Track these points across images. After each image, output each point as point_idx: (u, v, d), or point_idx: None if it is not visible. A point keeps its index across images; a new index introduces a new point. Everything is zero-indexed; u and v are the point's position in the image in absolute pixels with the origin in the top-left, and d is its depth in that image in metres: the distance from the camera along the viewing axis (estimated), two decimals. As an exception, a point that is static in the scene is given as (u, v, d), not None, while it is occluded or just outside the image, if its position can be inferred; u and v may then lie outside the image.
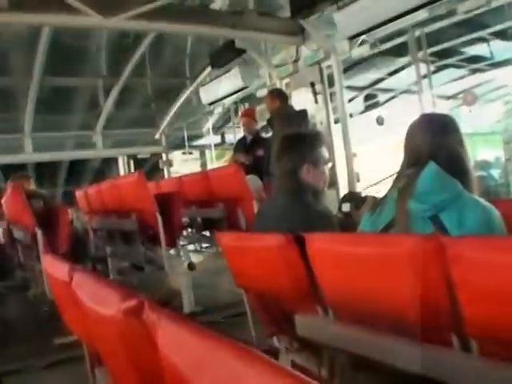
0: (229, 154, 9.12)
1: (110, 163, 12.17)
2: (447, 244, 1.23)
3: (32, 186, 6.19)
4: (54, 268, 1.96)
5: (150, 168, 12.08)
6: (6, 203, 5.23)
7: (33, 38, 6.73)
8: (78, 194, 6.77)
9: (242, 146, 6.77)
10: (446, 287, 1.25)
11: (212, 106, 9.55)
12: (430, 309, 1.30)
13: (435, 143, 1.87)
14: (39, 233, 4.04)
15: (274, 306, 2.23)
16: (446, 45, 7.87)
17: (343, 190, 5.72)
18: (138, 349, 1.05)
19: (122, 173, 10.47)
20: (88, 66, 8.15)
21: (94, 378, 1.94)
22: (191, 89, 8.95)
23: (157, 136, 10.42)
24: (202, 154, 11.56)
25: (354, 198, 3.07)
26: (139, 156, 11.04)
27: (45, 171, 11.46)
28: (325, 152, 2.50)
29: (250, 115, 6.86)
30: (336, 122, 6.36)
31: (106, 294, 1.21)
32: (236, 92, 7.95)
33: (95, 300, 1.30)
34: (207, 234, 5.68)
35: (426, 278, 1.28)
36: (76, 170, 14.59)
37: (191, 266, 4.28)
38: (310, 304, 1.86)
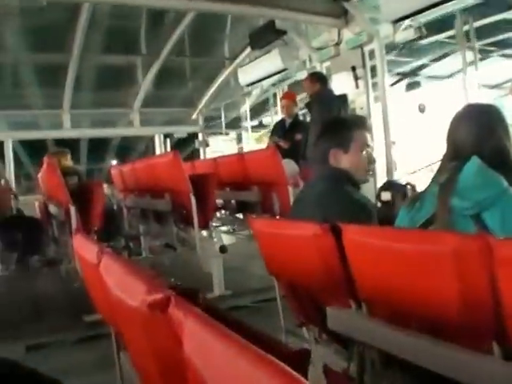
0: (266, 137, 9.04)
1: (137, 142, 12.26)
2: (495, 245, 1.15)
3: (69, 161, 6.25)
4: (83, 248, 1.94)
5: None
6: (42, 178, 5.29)
7: (74, 15, 6.73)
8: (114, 171, 6.81)
9: (279, 128, 6.70)
10: (490, 291, 1.17)
11: (250, 88, 9.46)
12: (472, 313, 1.22)
13: (480, 135, 1.78)
14: (73, 209, 4.05)
15: (305, 296, 2.17)
16: (493, 33, 7.64)
17: (380, 179, 5.61)
18: (162, 343, 1.01)
19: (158, 152, 10.51)
20: (127, 44, 8.15)
21: (119, 360, 1.92)
22: (230, 69, 8.89)
23: (194, 116, 10.41)
24: (239, 136, 11.51)
25: (393, 186, 2.98)
26: (176, 135, 11.06)
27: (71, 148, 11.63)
28: (366, 137, 2.40)
29: (291, 98, 6.77)
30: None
31: (132, 283, 1.17)
32: (275, 74, 7.86)
33: (121, 288, 1.26)
34: (240, 216, 5.65)
35: (470, 279, 1.20)
36: (98, 148, 14.79)
37: (223, 249, 4.26)
38: (343, 297, 1.80)
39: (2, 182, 6.61)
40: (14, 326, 4.02)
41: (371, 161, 2.41)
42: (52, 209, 5.21)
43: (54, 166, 4.41)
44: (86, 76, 8.51)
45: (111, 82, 9.12)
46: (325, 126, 2.51)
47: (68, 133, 9.34)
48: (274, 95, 9.89)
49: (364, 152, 2.37)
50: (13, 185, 8.49)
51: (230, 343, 0.71)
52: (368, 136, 2.41)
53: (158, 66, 8.48)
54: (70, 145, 8.44)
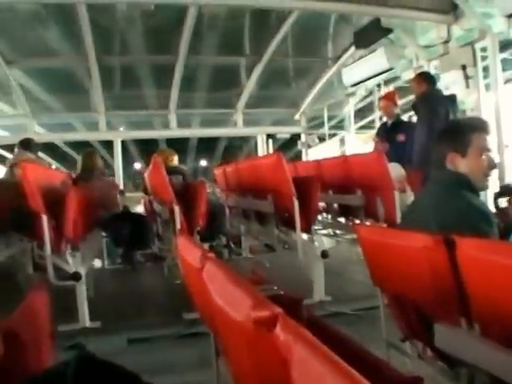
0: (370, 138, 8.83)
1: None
2: None
3: (175, 161, 6.44)
4: (187, 251, 1.96)
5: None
6: (148, 177, 5.48)
7: (180, 18, 6.93)
8: (218, 171, 6.93)
9: (382, 130, 6.54)
10: None
11: (354, 88, 9.28)
12: None
13: None
14: (177, 208, 4.15)
15: (411, 309, 2.08)
16: None
17: (492, 183, 5.29)
18: (267, 363, 0.97)
19: (260, 153, 10.58)
20: (231, 44, 8.28)
21: (217, 363, 1.93)
22: (334, 69, 8.78)
23: (296, 116, 10.39)
24: (342, 138, 11.33)
25: (510, 191, 2.79)
26: (279, 136, 11.10)
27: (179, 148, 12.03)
28: (486, 141, 2.26)
29: (389, 98, 6.57)
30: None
31: (236, 294, 1.14)
32: (380, 74, 7.67)
33: (224, 297, 1.25)
34: (343, 220, 5.55)
35: None
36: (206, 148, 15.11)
37: (324, 254, 4.19)
38: (453, 314, 1.70)
39: (110, 178, 6.92)
40: (117, 319, 4.20)
41: (491, 166, 2.26)
42: (157, 207, 5.39)
43: (159, 165, 4.54)
44: (192, 77, 8.75)
45: (216, 83, 9.31)
46: (443, 129, 2.43)
47: (174, 132, 9.64)
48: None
49: (484, 156, 2.23)
50: (121, 182, 8.89)
51: (341, 375, 0.66)
52: (488, 140, 2.26)
53: (261, 66, 8.53)
54: (178, 144, 8.72)
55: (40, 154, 6.69)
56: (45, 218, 3.73)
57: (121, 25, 7.28)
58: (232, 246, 7.05)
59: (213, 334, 1.89)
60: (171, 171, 5.60)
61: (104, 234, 6.30)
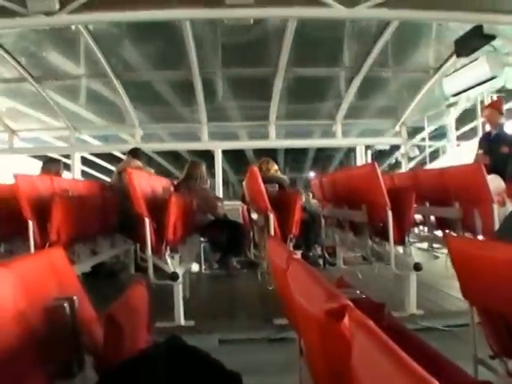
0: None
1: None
2: None
3: (272, 170, 6.59)
4: (275, 253, 2.04)
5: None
6: (246, 185, 5.64)
7: (278, 31, 7.08)
8: (314, 181, 6.99)
9: (484, 141, 6.31)
10: None
11: (456, 98, 9.01)
12: None
13: None
14: (271, 216, 4.25)
15: (504, 326, 2.03)
16: None
17: None
18: (333, 351, 1.04)
19: (359, 163, 10.51)
20: (330, 56, 8.32)
21: (299, 364, 1.98)
22: (434, 79, 8.59)
23: (397, 128, 10.23)
24: (443, 148, 11.00)
25: None
26: (377, 147, 10.99)
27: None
28: None
29: (494, 107, 6.34)
30: None
31: (314, 290, 1.21)
32: (482, 83, 7.40)
33: (304, 294, 1.32)
34: (439, 233, 5.43)
35: None
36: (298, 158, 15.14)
37: (417, 266, 4.13)
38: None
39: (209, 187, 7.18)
40: (210, 320, 4.37)
41: None
42: (253, 215, 5.53)
43: (255, 174, 4.66)
44: (288, 88, 8.88)
45: (313, 94, 9.38)
46: None
47: (273, 143, 9.82)
48: (482, 104, 9.31)
49: None
50: (220, 190, 9.16)
51: (398, 364, 0.71)
52: None
53: (360, 77, 8.50)
54: (271, 155, 8.88)
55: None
56: (147, 221, 3.96)
57: (221, 39, 7.56)
58: (327, 256, 7.07)
59: (297, 334, 1.96)
60: (268, 180, 5.74)
61: (202, 239, 6.54)
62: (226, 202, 7.88)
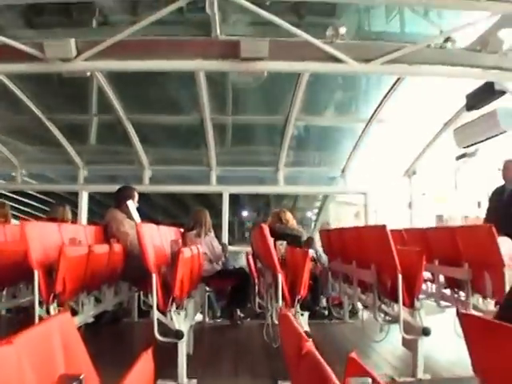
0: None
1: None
2: None
3: (291, 220, 6.57)
4: (288, 334, 1.99)
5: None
6: (254, 239, 5.60)
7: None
8: (323, 234, 6.98)
9: (496, 196, 6.23)
10: None
11: (465, 150, 9.02)
12: None
13: None
14: (280, 276, 4.19)
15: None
16: None
17: None
18: None
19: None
20: (343, 105, 8.40)
21: None
22: (444, 131, 8.62)
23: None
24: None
25: None
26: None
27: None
28: None
29: None
30: None
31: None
32: (493, 136, 7.40)
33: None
34: (448, 292, 5.36)
35: None
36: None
37: (426, 331, 4.06)
38: None
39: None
40: (214, 378, 4.30)
41: None
42: (260, 266, 5.48)
43: (265, 232, 4.60)
44: (301, 136, 8.99)
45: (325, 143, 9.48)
46: None
47: (282, 189, 9.86)
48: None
49: None
50: (226, 235, 9.13)
51: None
52: None
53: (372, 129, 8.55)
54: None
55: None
56: (155, 277, 3.92)
57: (234, 88, 7.65)
58: (332, 309, 7.00)
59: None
60: (284, 234, 5.71)
61: (207, 288, 6.49)
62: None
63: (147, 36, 5.78)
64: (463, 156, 9.26)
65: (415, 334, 4.12)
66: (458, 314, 2.26)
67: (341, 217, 21.37)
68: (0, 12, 6.45)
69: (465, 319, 2.21)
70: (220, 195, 9.37)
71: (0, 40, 5.66)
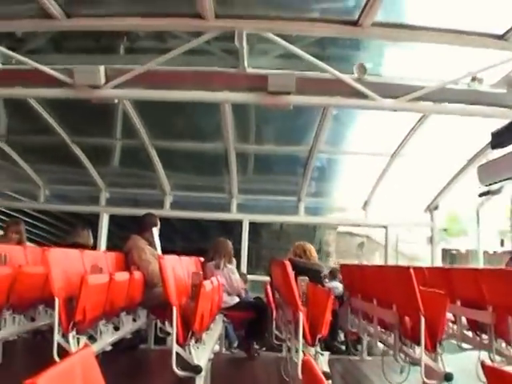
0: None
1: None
2: None
3: (314, 255, 6.53)
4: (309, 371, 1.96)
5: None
6: (274, 274, 5.53)
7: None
8: (344, 269, 6.93)
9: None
10: None
11: (490, 188, 8.93)
12: None
13: None
14: (301, 315, 4.11)
15: None
16: None
17: None
18: None
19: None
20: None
21: None
22: (468, 168, 8.56)
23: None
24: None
25: None
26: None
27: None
28: None
29: None
30: None
31: None
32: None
33: None
34: (470, 334, 5.25)
35: None
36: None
37: (448, 377, 3.95)
38: None
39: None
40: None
41: None
42: (278, 297, 5.41)
43: (287, 268, 4.52)
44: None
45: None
46: None
47: (302, 219, 9.85)
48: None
49: None
50: (245, 264, 9.08)
51: None
52: None
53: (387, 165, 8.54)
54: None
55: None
56: (175, 310, 3.88)
57: (257, 118, 7.73)
58: (350, 344, 6.91)
59: None
60: (305, 269, 5.65)
61: (225, 319, 6.43)
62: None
63: (174, 65, 5.85)
64: (487, 193, 9.17)
65: (437, 378, 4.02)
66: (482, 364, 2.20)
67: (342, 249, 21.11)
68: (30, 36, 6.60)
69: (490, 372, 2.16)
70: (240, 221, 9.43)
71: (31, 65, 5.77)
